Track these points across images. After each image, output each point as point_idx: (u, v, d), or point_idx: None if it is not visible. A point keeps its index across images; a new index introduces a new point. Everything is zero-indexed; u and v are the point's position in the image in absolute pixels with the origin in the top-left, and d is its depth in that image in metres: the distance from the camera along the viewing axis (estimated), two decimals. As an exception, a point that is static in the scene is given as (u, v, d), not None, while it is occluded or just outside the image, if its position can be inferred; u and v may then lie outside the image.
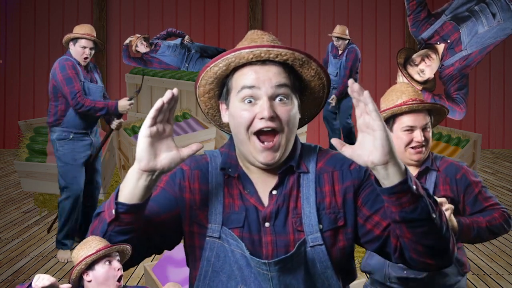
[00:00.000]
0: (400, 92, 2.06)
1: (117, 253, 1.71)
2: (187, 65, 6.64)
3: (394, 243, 1.20)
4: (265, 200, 1.26)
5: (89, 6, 8.93)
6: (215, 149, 1.39)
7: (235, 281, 1.23)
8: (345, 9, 9.00)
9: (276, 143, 1.21)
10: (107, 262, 1.71)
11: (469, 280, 3.74)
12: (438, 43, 3.98)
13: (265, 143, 1.21)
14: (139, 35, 6.71)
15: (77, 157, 4.18)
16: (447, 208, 1.85)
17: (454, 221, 1.94)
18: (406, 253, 1.19)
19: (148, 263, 3.31)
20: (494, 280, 3.87)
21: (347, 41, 6.54)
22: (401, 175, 1.09)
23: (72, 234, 4.24)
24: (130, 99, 4.17)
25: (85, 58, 4.11)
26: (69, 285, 1.60)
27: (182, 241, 1.34)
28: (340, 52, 6.58)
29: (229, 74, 1.25)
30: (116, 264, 1.72)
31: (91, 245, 1.66)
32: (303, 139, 6.24)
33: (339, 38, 6.49)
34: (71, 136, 4.14)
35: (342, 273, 1.27)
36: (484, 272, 4.01)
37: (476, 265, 4.11)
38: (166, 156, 1.13)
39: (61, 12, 8.95)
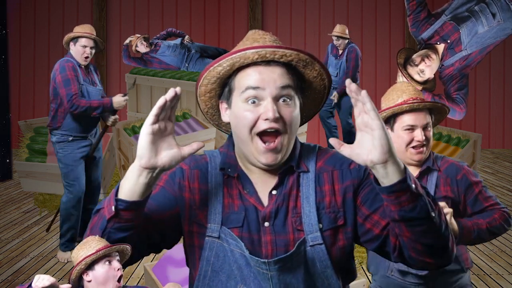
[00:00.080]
0: (401, 91, 2.06)
1: (117, 253, 1.71)
2: (187, 65, 6.65)
3: (393, 242, 1.20)
4: (265, 200, 1.26)
5: (89, 6, 8.93)
6: (215, 149, 1.39)
7: (234, 280, 1.23)
8: (345, 9, 9.00)
9: (278, 144, 1.21)
10: (107, 262, 1.71)
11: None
12: (438, 43, 3.98)
13: (267, 143, 1.21)
14: (139, 35, 6.71)
15: (78, 158, 4.18)
16: (446, 212, 1.86)
17: (454, 224, 1.94)
18: (405, 252, 1.19)
19: (148, 263, 3.31)
20: (494, 280, 3.87)
21: (347, 40, 6.54)
22: (400, 174, 1.09)
23: (75, 235, 4.24)
24: (125, 95, 4.16)
25: (86, 58, 4.10)
26: (69, 285, 1.60)
27: (182, 241, 1.34)
28: (340, 52, 6.58)
29: (231, 73, 1.25)
30: (116, 264, 1.71)
31: (91, 245, 1.66)
32: (303, 139, 6.23)
33: (339, 37, 6.48)
34: (70, 139, 4.14)
35: (341, 272, 1.27)
36: (484, 272, 4.01)
37: (476, 265, 4.11)
38: (167, 153, 1.13)
39: (61, 12, 8.95)
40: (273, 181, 1.26)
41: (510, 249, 4.48)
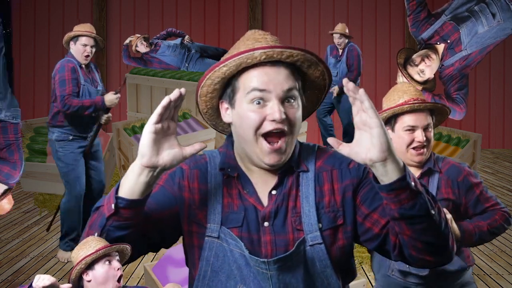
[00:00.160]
0: (402, 92, 2.06)
1: (117, 253, 1.71)
2: (187, 65, 6.64)
3: (393, 240, 1.20)
4: (265, 200, 1.26)
5: (89, 6, 8.93)
6: (215, 149, 1.39)
7: (234, 280, 1.23)
8: (345, 9, 9.00)
9: (282, 145, 1.21)
10: (107, 262, 1.71)
11: (469, 280, 3.74)
12: (438, 43, 3.98)
13: (272, 144, 1.21)
14: (139, 35, 6.71)
15: (78, 157, 4.18)
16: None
17: (456, 228, 1.95)
18: (405, 250, 1.19)
19: (148, 263, 3.31)
20: (494, 280, 3.87)
21: (348, 39, 6.53)
22: (400, 172, 1.09)
23: (76, 235, 4.23)
24: (116, 93, 4.16)
25: (87, 57, 4.10)
26: (69, 285, 1.60)
27: (182, 241, 1.34)
28: (340, 52, 6.58)
29: (235, 74, 1.24)
30: (115, 264, 1.71)
31: (91, 244, 1.65)
32: (303, 139, 6.23)
33: (341, 35, 6.47)
34: (70, 138, 4.14)
35: (341, 272, 1.27)
36: (484, 272, 4.01)
37: (476, 265, 4.11)
38: (168, 153, 1.14)
39: (61, 12, 8.95)
40: (272, 181, 1.26)
41: (510, 249, 4.48)
